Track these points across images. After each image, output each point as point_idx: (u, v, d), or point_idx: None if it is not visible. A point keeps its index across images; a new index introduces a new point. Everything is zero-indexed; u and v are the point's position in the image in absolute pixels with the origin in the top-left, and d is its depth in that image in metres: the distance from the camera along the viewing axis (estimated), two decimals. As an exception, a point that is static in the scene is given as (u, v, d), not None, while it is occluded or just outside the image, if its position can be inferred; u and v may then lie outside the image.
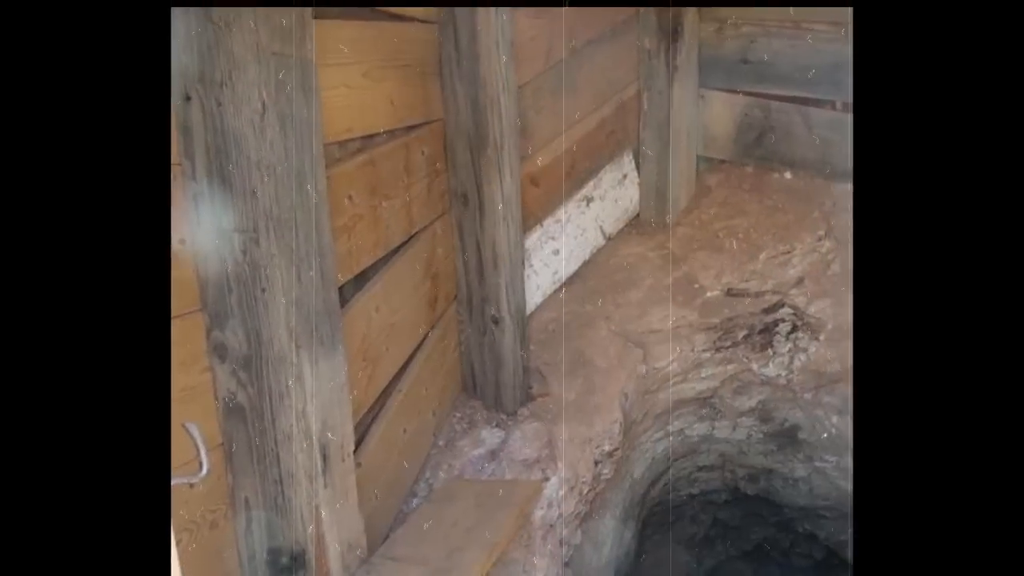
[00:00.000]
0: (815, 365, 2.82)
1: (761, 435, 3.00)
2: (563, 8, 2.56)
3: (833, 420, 2.82)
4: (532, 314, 2.62)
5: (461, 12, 2.01)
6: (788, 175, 3.18)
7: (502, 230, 2.20)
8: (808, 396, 2.84)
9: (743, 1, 3.06)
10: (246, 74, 1.29)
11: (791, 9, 3.00)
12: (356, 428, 1.69)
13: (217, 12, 1.26)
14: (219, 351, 1.42)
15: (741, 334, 2.85)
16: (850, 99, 2.98)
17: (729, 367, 2.86)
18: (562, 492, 2.24)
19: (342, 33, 1.70)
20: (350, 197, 1.74)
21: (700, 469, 3.17)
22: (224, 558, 1.50)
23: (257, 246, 1.36)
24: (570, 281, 2.87)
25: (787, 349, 2.85)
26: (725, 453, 3.10)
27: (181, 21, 1.25)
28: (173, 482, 1.28)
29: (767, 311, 2.87)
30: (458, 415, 2.37)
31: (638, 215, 3.22)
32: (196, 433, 1.30)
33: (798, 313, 2.87)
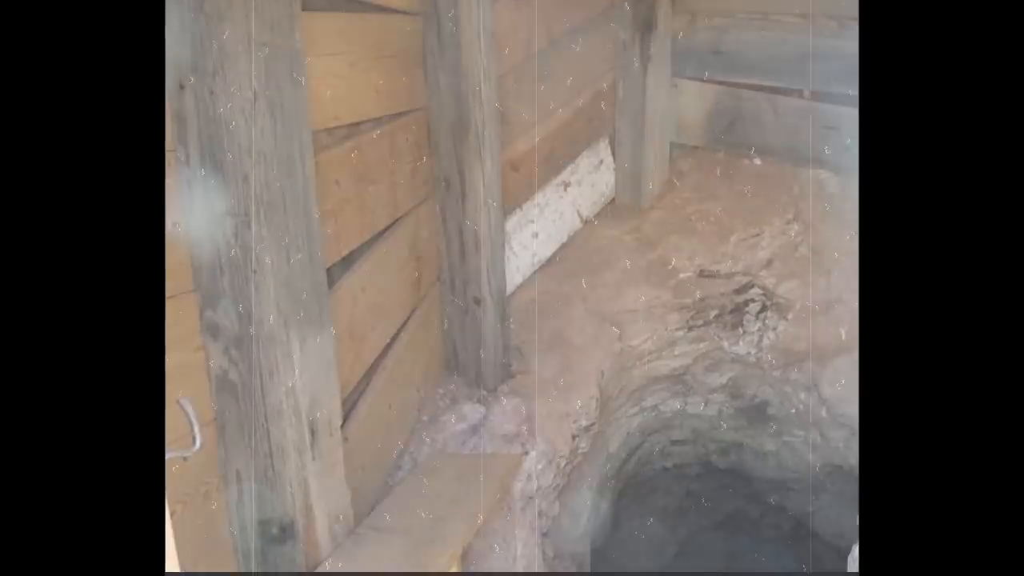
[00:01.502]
0: (783, 343, 2.86)
1: (732, 411, 3.03)
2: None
3: (801, 396, 2.86)
4: (512, 294, 2.65)
5: (443, 3, 2.03)
6: (758, 161, 3.24)
7: (483, 213, 2.23)
8: (777, 373, 2.88)
9: None
10: (237, 64, 1.31)
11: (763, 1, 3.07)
12: (343, 404, 1.72)
13: (209, 4, 1.28)
14: (212, 330, 1.45)
15: (712, 314, 2.90)
16: (815, 87, 3.05)
17: (701, 345, 2.90)
18: (540, 465, 2.29)
19: (329, 24, 1.73)
20: (337, 182, 1.77)
21: (673, 443, 3.20)
22: (216, 528, 1.54)
23: (248, 229, 1.38)
24: (548, 263, 2.91)
25: (757, 328, 2.89)
26: (697, 428, 3.13)
27: (175, 12, 1.27)
28: (167, 456, 1.31)
29: (738, 291, 2.92)
30: (441, 391, 2.40)
31: (614, 199, 3.26)
32: (189, 409, 1.34)
33: (767, 293, 2.92)
